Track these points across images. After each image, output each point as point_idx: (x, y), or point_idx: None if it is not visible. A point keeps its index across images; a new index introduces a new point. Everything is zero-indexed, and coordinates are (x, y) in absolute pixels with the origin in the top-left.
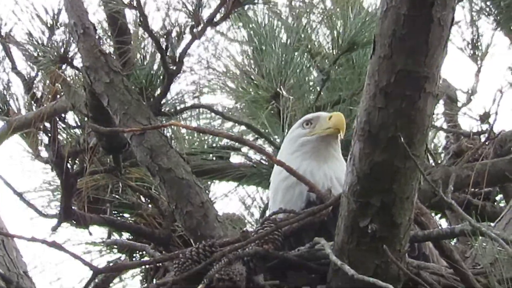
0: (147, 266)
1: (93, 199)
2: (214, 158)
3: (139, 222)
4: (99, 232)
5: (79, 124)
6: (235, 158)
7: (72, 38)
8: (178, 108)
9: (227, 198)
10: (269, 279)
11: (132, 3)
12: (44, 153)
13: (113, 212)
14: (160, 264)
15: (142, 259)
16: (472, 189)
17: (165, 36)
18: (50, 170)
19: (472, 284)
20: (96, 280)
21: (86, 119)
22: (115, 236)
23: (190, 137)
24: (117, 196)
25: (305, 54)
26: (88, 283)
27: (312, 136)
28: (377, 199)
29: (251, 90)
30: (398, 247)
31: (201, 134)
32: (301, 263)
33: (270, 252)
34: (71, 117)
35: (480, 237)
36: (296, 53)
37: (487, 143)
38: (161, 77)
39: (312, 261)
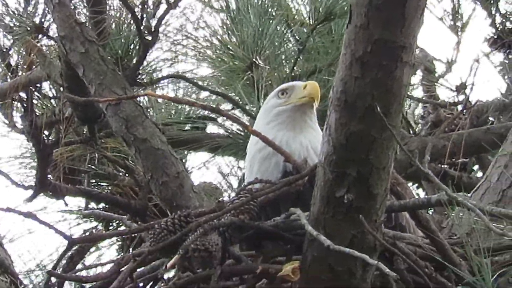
0: (123, 236)
1: (69, 170)
2: (190, 129)
3: (116, 193)
4: (75, 201)
5: (55, 94)
6: (211, 128)
7: (47, 8)
8: (153, 78)
9: (204, 168)
10: (245, 249)
11: None
12: (20, 124)
13: (90, 182)
14: (137, 234)
15: (118, 229)
16: (449, 160)
17: (140, 6)
18: (26, 140)
19: (448, 254)
20: (72, 251)
21: (61, 89)
22: (93, 206)
23: (166, 107)
24: (93, 167)
25: (282, 23)
26: (64, 253)
27: (287, 105)
28: (353, 169)
29: (227, 60)
30: (374, 217)
31: (176, 104)
32: (276, 234)
33: (246, 222)
34: (47, 88)
35: (457, 207)
36: (273, 23)
37: (463, 113)
38: (137, 47)
39: (287, 231)
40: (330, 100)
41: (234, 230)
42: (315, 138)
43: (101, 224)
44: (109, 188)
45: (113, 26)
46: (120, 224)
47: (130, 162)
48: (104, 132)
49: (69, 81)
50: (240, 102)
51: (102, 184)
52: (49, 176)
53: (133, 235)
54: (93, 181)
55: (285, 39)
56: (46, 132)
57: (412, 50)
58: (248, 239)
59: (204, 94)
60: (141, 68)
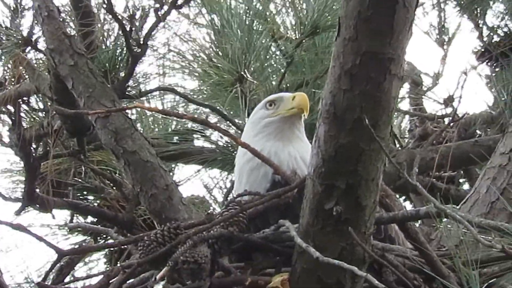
0: (112, 249)
1: (56, 183)
2: (177, 142)
3: (103, 206)
4: (63, 216)
5: (43, 107)
6: (199, 142)
7: (36, 21)
8: (142, 90)
9: (190, 182)
10: (234, 261)
11: None
12: (6, 137)
13: (77, 195)
14: (125, 247)
15: (106, 242)
16: (437, 172)
17: (129, 19)
18: (14, 154)
19: (437, 266)
20: (61, 263)
21: (50, 102)
22: (80, 219)
23: (154, 121)
24: (80, 180)
25: (268, 37)
26: (53, 265)
27: (275, 116)
28: (342, 181)
29: (215, 73)
30: (363, 229)
31: (165, 117)
32: (266, 245)
33: (235, 234)
34: (34, 100)
35: (445, 219)
36: (259, 37)
37: (451, 125)
38: (126, 59)
39: (277, 243)
40: (319, 112)
41: (223, 242)
42: (303, 149)
43: (89, 238)
44: (96, 201)
45: (101, 39)
46: (108, 238)
47: (117, 175)
48: (93, 145)
49: (58, 94)
50: (228, 115)
51: (89, 197)
52: (37, 189)
53: (121, 249)
54: (80, 194)
55: (271, 53)
56: (34, 145)
57: (401, 62)
58: (238, 251)
59: (191, 107)
60: (130, 80)
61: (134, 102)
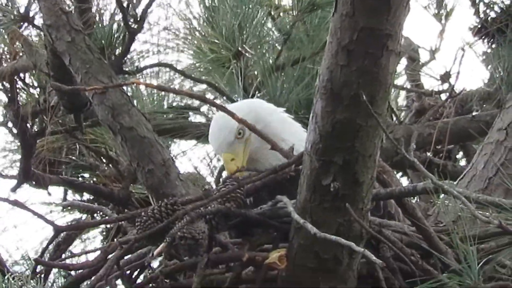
0: (108, 226)
1: (50, 162)
2: (174, 117)
3: (98, 183)
4: (59, 193)
5: (39, 84)
6: (195, 118)
7: None
8: (139, 66)
9: (186, 157)
10: (232, 237)
11: None
12: (2, 114)
13: (72, 173)
14: (122, 223)
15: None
16: (434, 148)
17: None
18: (9, 131)
19: (434, 242)
20: (58, 239)
21: (47, 78)
22: (76, 197)
23: (150, 97)
24: (74, 158)
25: (265, 13)
26: (50, 241)
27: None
28: (339, 157)
29: (211, 49)
30: (360, 205)
31: (162, 93)
32: (263, 221)
33: (232, 210)
34: (30, 78)
35: (443, 195)
36: (256, 12)
37: (448, 101)
38: (122, 35)
39: (274, 219)
40: (316, 88)
41: (220, 218)
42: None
43: (85, 215)
44: (92, 179)
45: (98, 15)
46: (104, 216)
47: (113, 152)
48: (90, 121)
49: (55, 70)
50: (225, 91)
51: (84, 175)
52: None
53: (118, 226)
54: (75, 172)
55: (268, 29)
56: (30, 122)
57: (398, 38)
58: (235, 227)
59: (187, 84)
60: (126, 56)
61: (131, 78)
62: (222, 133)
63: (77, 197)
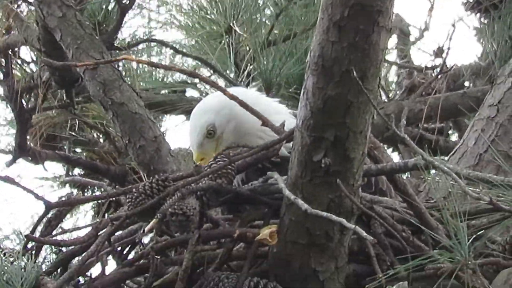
0: (99, 201)
1: (49, 136)
2: (166, 92)
3: (95, 159)
4: (52, 168)
5: (33, 59)
6: (190, 93)
7: None
8: (130, 42)
9: (178, 132)
10: (223, 213)
11: None
12: None
13: (70, 149)
14: (113, 199)
15: (94, 194)
16: (425, 124)
17: None
18: (5, 105)
19: (425, 218)
20: (49, 215)
21: (39, 53)
22: (75, 173)
23: (142, 72)
24: (73, 133)
25: None
26: (41, 217)
27: None
28: (330, 133)
29: (203, 24)
30: (351, 181)
31: (153, 69)
32: (254, 198)
33: (224, 187)
34: (25, 52)
35: (433, 171)
36: None
37: (439, 77)
38: (115, 11)
39: (265, 195)
40: (307, 64)
41: (211, 194)
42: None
43: (76, 190)
44: (88, 154)
45: None
46: (95, 190)
47: (110, 128)
48: (81, 97)
49: (47, 46)
50: (217, 67)
51: (81, 151)
52: (29, 142)
53: (109, 201)
54: (72, 148)
55: (260, 4)
56: (24, 97)
57: (389, 15)
58: (226, 203)
59: (180, 59)
60: (118, 32)
61: (122, 54)
62: (192, 133)
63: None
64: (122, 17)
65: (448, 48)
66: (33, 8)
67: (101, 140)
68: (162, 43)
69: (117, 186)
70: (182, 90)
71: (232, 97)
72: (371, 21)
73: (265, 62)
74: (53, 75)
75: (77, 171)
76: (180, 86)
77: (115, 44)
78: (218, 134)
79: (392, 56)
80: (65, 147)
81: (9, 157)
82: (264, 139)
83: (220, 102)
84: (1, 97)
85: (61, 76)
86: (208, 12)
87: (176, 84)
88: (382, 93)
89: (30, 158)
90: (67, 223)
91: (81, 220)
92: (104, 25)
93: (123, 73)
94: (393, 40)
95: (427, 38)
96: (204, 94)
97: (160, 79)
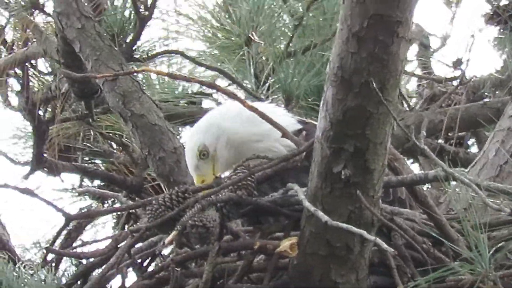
0: (119, 213)
1: (64, 147)
2: (185, 104)
3: (111, 170)
4: (71, 180)
5: (50, 70)
6: (206, 104)
7: None
8: (150, 54)
9: None
10: (243, 225)
11: None
12: (14, 101)
13: (85, 160)
14: (133, 211)
15: (114, 206)
16: (445, 135)
17: None
18: (22, 118)
19: (446, 230)
20: (69, 227)
21: (58, 65)
22: (88, 183)
23: (162, 84)
24: (88, 144)
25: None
26: (61, 230)
27: None
28: (350, 144)
29: (222, 36)
30: (371, 192)
31: (172, 80)
32: (274, 209)
33: (244, 198)
34: (42, 64)
35: (454, 183)
36: None
37: (459, 88)
38: (133, 22)
39: (285, 207)
40: (327, 75)
41: (231, 206)
42: None
43: (96, 202)
44: (105, 165)
45: (108, 1)
46: (115, 202)
47: (126, 139)
48: (101, 108)
49: (66, 57)
50: (236, 78)
51: (97, 162)
52: (45, 154)
53: (128, 213)
54: (88, 159)
55: (279, 15)
56: (42, 109)
57: (409, 25)
58: (246, 215)
59: (198, 70)
60: (137, 43)
61: (142, 65)
62: (187, 158)
63: (89, 184)
64: (141, 28)
65: (468, 60)
66: (52, 19)
67: (116, 151)
68: (181, 55)
69: (133, 197)
70: (199, 102)
71: (251, 108)
72: (391, 31)
73: (284, 73)
74: (72, 87)
75: (96, 182)
76: (197, 97)
77: (134, 56)
78: (211, 153)
79: (412, 66)
80: (79, 158)
81: (26, 169)
82: (262, 142)
83: (207, 121)
84: (18, 108)
85: (80, 88)
86: (228, 22)
87: (193, 95)
88: (403, 103)
89: (47, 170)
90: (86, 235)
91: (100, 232)
92: (123, 36)
93: (142, 84)
94: (413, 51)
95: (448, 49)
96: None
97: (179, 90)
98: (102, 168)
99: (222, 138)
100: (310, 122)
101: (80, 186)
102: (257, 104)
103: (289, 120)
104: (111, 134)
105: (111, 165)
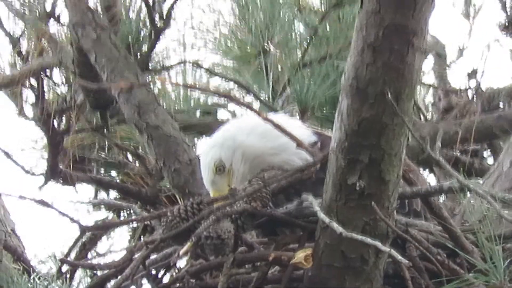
0: (134, 224)
1: (79, 158)
2: (200, 115)
3: (126, 181)
4: (86, 191)
5: (65, 81)
6: (222, 115)
7: None
8: (165, 64)
9: None
10: (258, 236)
11: None
12: (29, 112)
13: (100, 171)
14: (148, 222)
15: (129, 218)
16: (460, 146)
17: None
18: (38, 128)
19: (460, 241)
20: (84, 239)
21: (73, 76)
22: (103, 195)
23: (177, 94)
24: (103, 155)
25: (293, 9)
26: (76, 241)
27: None
28: (365, 155)
29: (237, 46)
30: (386, 204)
31: (188, 91)
32: (289, 221)
33: (258, 210)
34: (57, 75)
35: (469, 194)
36: (283, 8)
37: (474, 99)
38: (148, 33)
39: (300, 218)
40: (342, 86)
41: (246, 217)
42: None
43: (111, 214)
44: (119, 176)
45: (124, 12)
46: (131, 214)
47: (141, 150)
48: (116, 119)
49: (81, 68)
50: (251, 88)
51: (112, 173)
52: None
53: (144, 225)
54: (103, 170)
55: (295, 25)
56: (56, 120)
57: (424, 35)
58: (261, 226)
59: (213, 81)
60: (152, 54)
61: (157, 76)
62: (204, 172)
63: (104, 195)
64: (157, 39)
65: (483, 71)
66: (67, 29)
67: (131, 162)
68: (197, 65)
69: (148, 208)
70: (215, 113)
71: (267, 119)
72: (406, 42)
73: (300, 84)
74: (87, 97)
75: (111, 194)
76: (213, 107)
77: (150, 66)
78: (227, 167)
79: (429, 77)
80: (94, 168)
81: (41, 179)
82: (278, 156)
83: (223, 135)
84: (32, 119)
85: (95, 98)
86: (244, 33)
87: (209, 105)
88: (419, 115)
89: (62, 181)
90: (102, 247)
91: (116, 244)
92: (138, 47)
93: (158, 95)
94: (429, 62)
95: (463, 59)
96: (234, 116)
97: (194, 101)
98: (117, 179)
99: (238, 152)
100: (325, 133)
101: (95, 197)
102: (272, 116)
103: (304, 132)
104: (125, 145)
105: (126, 176)
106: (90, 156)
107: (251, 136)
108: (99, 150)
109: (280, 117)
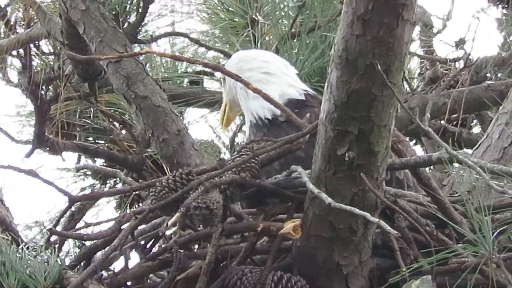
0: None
1: (65, 125)
2: (187, 84)
3: (112, 148)
4: (73, 159)
5: (53, 51)
6: (208, 84)
7: None
8: (153, 35)
9: (200, 124)
10: (246, 206)
11: None
12: (14, 77)
13: (87, 138)
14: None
15: (117, 186)
16: (449, 117)
17: None
18: (24, 96)
19: (449, 212)
20: (72, 209)
21: (62, 46)
22: (88, 161)
23: (164, 65)
24: (89, 121)
25: None
26: (65, 211)
27: None
28: (354, 127)
29: (225, 16)
30: (375, 175)
31: (175, 61)
32: (278, 191)
33: (247, 180)
34: (45, 45)
35: (457, 165)
36: None
37: (463, 70)
38: (137, 3)
39: (289, 189)
40: (331, 58)
41: (235, 188)
42: None
43: (98, 181)
44: (105, 143)
45: None
46: (117, 181)
47: (126, 117)
48: (104, 90)
49: (70, 39)
50: None
51: (98, 139)
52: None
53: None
54: (89, 136)
55: None
56: (44, 88)
57: (413, 8)
58: (250, 197)
59: (201, 51)
60: (141, 25)
61: (145, 47)
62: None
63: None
64: (145, 10)
65: (473, 40)
66: (56, 0)
67: (117, 129)
68: (185, 36)
69: (134, 177)
70: (202, 81)
71: (255, 90)
72: (395, 14)
73: (288, 55)
74: (76, 68)
75: (99, 162)
76: (200, 76)
77: (138, 37)
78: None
79: (414, 46)
80: (78, 135)
81: (28, 147)
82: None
83: (234, 57)
84: (18, 85)
85: (84, 69)
86: (230, 3)
87: (196, 74)
88: (405, 84)
89: (48, 149)
90: (88, 215)
91: (102, 212)
92: (126, 18)
93: (146, 66)
94: (415, 31)
95: (450, 29)
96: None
97: (182, 69)
98: (103, 146)
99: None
100: (316, 96)
101: (78, 162)
102: (274, 59)
103: (296, 85)
104: (110, 111)
105: (112, 143)
106: (76, 122)
107: (255, 66)
108: (85, 116)
109: (281, 61)
